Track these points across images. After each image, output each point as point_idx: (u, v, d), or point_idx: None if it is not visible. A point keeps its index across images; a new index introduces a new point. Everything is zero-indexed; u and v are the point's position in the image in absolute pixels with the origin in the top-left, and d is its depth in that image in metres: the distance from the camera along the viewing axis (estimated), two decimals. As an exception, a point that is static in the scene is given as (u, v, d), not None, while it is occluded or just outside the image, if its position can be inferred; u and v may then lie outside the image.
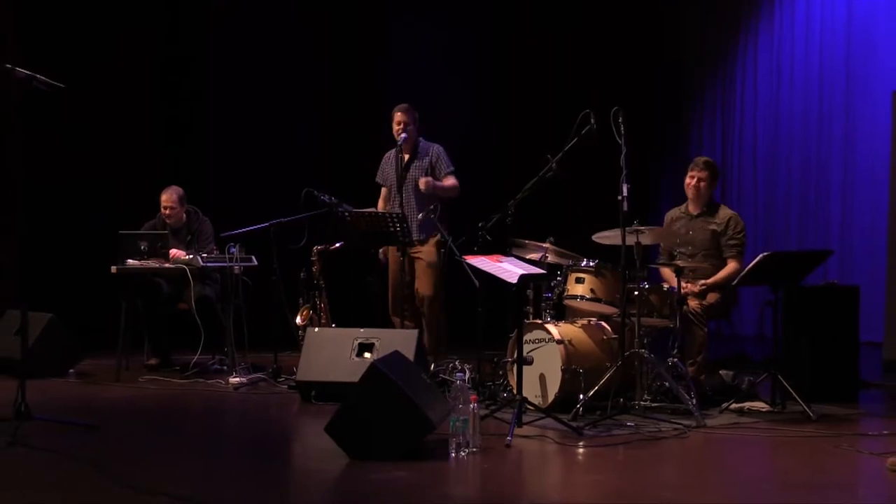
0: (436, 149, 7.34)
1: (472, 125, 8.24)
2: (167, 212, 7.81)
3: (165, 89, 9.89)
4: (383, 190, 7.49)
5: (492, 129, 10.20)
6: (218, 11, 9.89)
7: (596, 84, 9.80)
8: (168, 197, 7.80)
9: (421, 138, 7.37)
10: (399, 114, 7.25)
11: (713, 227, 6.63)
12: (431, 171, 7.26)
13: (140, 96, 9.70)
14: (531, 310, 6.55)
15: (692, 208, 6.72)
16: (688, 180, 6.69)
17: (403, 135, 7.16)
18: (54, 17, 9.23)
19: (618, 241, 6.01)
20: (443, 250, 6.97)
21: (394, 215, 6.85)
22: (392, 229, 6.87)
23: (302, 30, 10.33)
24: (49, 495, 4.25)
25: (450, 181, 7.26)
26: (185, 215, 7.88)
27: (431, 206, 7.05)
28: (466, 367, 6.23)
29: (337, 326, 7.41)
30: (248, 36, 10.06)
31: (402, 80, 10.45)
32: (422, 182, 7.11)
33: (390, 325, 7.20)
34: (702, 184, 6.68)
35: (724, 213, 6.73)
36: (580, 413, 5.81)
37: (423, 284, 7.14)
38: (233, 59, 10.06)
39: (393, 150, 7.27)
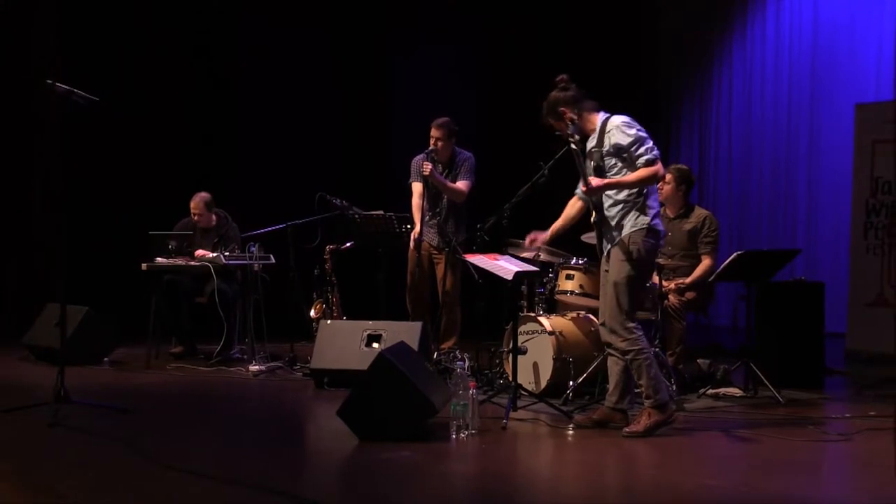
0: (466, 156, 7.11)
1: (471, 133, 8.26)
2: (196, 218, 7.84)
3: (197, 104, 9.91)
4: (419, 187, 7.08)
5: (491, 135, 10.19)
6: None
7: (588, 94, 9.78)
8: (196, 204, 7.82)
9: (457, 149, 7.13)
10: (433, 129, 7.01)
11: (689, 226, 6.63)
12: (455, 177, 7.10)
13: (172, 110, 9.73)
14: (525, 304, 6.56)
15: (669, 211, 6.70)
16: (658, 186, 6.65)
17: (421, 159, 6.99)
18: (92, 30, 9.27)
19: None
20: (446, 249, 6.94)
21: (399, 217, 6.85)
22: (398, 230, 6.87)
23: (317, 47, 10.34)
24: (85, 471, 4.27)
25: (457, 184, 7.02)
26: (214, 218, 7.89)
27: (438, 209, 7.04)
28: (466, 356, 6.27)
29: (348, 319, 7.41)
30: (270, 54, 10.08)
31: (404, 82, 10.48)
32: (426, 166, 6.87)
33: (397, 318, 7.14)
34: (666, 186, 6.59)
35: (699, 212, 6.72)
36: (570, 398, 5.83)
37: (448, 281, 7.03)
38: (258, 77, 10.09)
39: (421, 156, 6.99)
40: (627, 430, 4.99)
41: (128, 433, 4.86)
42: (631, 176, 5.02)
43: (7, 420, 5.19)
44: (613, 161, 5.08)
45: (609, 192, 5.09)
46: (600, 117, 5.18)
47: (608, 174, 5.09)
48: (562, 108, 5.15)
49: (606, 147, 5.08)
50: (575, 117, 5.15)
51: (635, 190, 5.05)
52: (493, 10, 10.82)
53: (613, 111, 5.26)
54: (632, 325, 5.05)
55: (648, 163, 5.00)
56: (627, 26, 10.78)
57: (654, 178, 5.09)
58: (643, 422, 4.97)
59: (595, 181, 5.04)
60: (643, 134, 5.06)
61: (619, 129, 5.07)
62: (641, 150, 5.01)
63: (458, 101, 10.03)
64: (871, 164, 8.51)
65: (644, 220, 5.04)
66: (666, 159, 10.27)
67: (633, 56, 10.86)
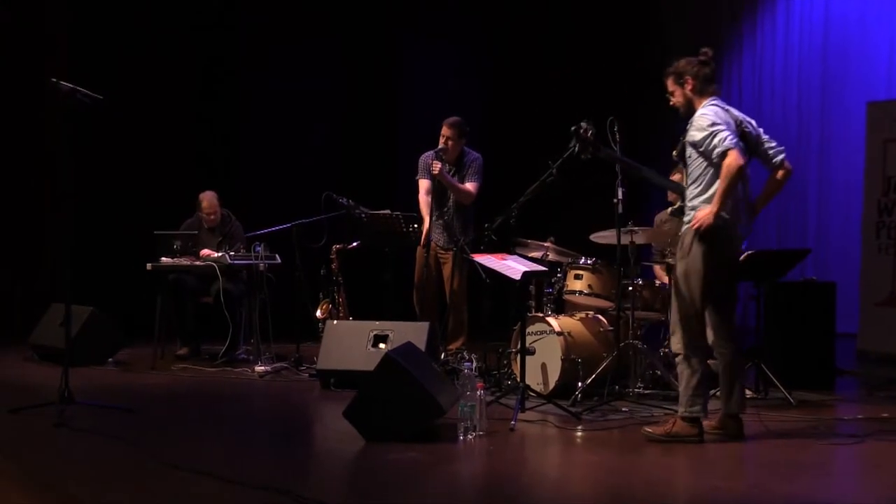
0: (474, 157, 7.09)
1: (479, 132, 8.25)
2: (212, 217, 7.81)
3: (202, 103, 9.91)
4: (426, 183, 7.05)
5: (499, 134, 10.18)
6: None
7: (593, 95, 9.77)
8: (209, 203, 7.81)
9: (466, 149, 7.10)
10: (444, 128, 6.98)
11: (698, 226, 6.57)
12: (463, 177, 7.07)
13: (176, 109, 9.73)
14: (533, 304, 6.53)
15: (679, 209, 6.64)
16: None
17: (428, 156, 7.02)
18: (98, 30, 9.28)
19: (613, 241, 5.99)
20: (453, 248, 6.91)
21: (405, 217, 6.82)
22: (405, 230, 6.85)
23: (322, 47, 10.34)
24: (89, 471, 4.26)
25: (466, 185, 7.00)
26: (220, 217, 7.89)
27: (445, 209, 7.01)
28: (473, 356, 6.25)
29: (354, 319, 7.39)
30: (275, 53, 10.08)
31: (411, 81, 10.47)
32: (436, 165, 6.86)
33: (403, 318, 7.11)
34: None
35: (709, 212, 6.66)
36: (578, 399, 5.80)
37: (455, 282, 6.97)
38: (263, 77, 10.09)
39: (430, 153, 6.98)
40: (649, 429, 4.92)
41: (132, 433, 4.84)
42: (720, 185, 4.77)
43: (12, 420, 5.18)
44: (690, 151, 4.94)
45: (692, 181, 4.93)
46: (703, 104, 4.99)
47: (688, 162, 4.96)
48: (687, 77, 5.03)
49: (688, 136, 4.94)
50: (693, 93, 5.02)
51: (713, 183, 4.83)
52: (498, 10, 10.81)
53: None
54: (689, 327, 4.84)
55: (722, 155, 4.74)
56: (633, 23, 10.75)
57: (737, 172, 4.74)
58: (666, 428, 4.86)
59: (702, 215, 4.81)
60: (719, 125, 4.80)
61: (695, 123, 4.90)
62: (715, 140, 4.76)
63: (465, 100, 10.02)
64: (882, 162, 8.47)
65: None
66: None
67: (639, 53, 10.83)
